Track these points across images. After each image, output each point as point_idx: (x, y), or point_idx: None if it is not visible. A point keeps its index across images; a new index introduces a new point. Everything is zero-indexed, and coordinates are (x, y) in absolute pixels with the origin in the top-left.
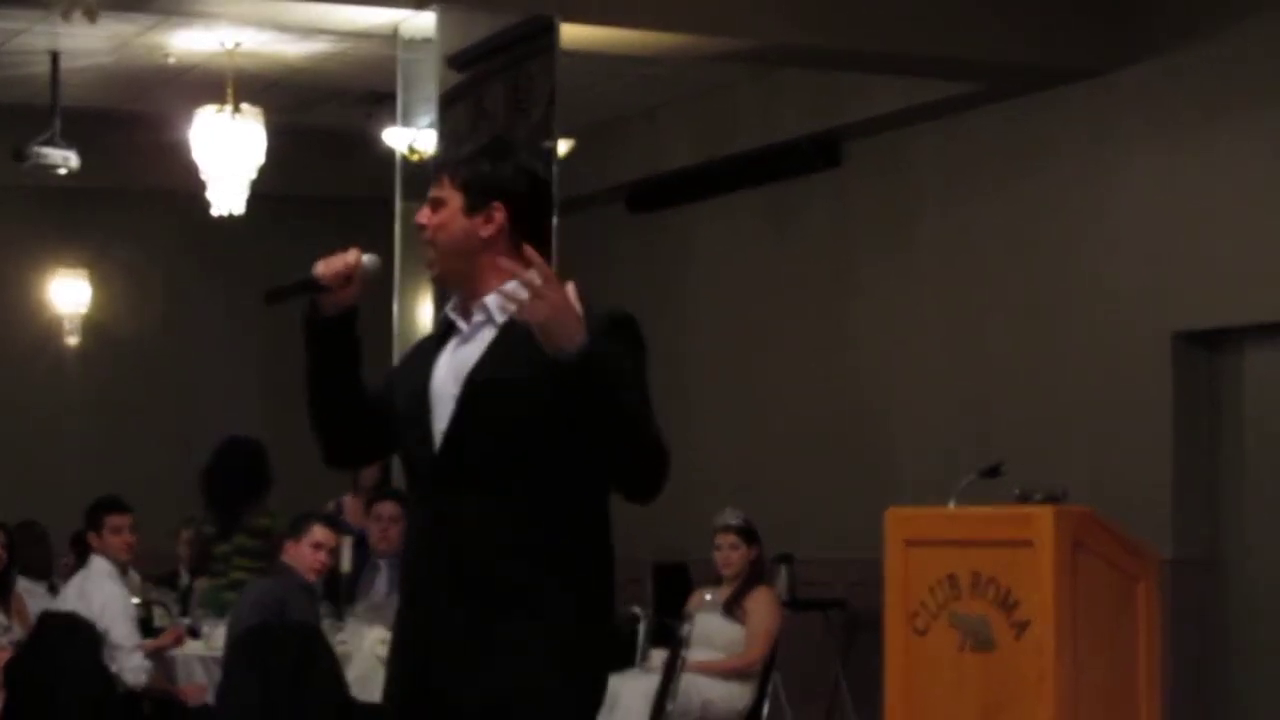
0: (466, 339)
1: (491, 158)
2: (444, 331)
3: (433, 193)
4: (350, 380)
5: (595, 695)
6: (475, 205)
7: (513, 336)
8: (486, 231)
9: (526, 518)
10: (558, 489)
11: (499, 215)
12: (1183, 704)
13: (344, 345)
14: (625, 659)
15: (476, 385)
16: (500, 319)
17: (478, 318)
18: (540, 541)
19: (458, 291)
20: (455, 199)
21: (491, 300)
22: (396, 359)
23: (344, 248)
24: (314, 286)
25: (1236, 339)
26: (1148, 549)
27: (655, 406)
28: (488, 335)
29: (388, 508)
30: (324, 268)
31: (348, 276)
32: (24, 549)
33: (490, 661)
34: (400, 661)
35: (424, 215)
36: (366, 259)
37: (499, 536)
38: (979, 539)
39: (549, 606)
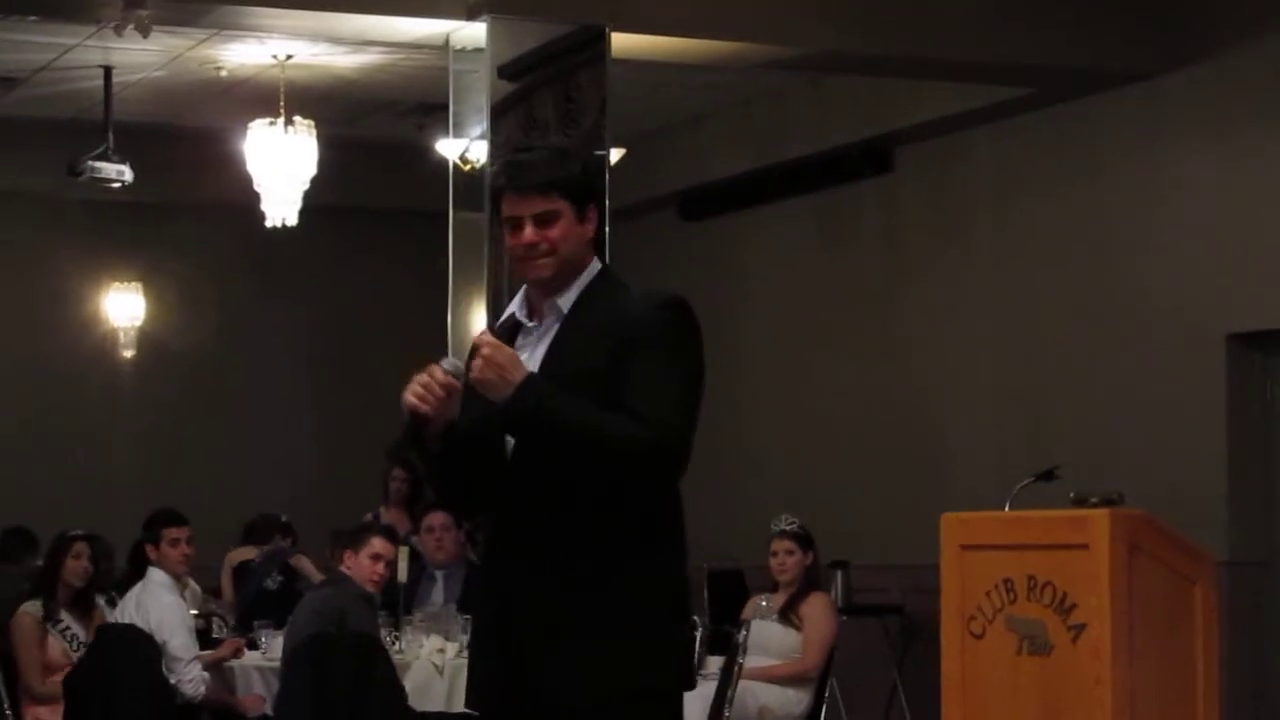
0: (541, 337)
1: (572, 163)
2: (511, 330)
3: (533, 210)
4: (468, 469)
5: (683, 689)
6: (582, 211)
7: (575, 332)
8: (590, 233)
9: (604, 511)
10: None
11: (593, 215)
12: (1240, 706)
13: (457, 450)
14: None
15: (548, 378)
16: (565, 312)
17: (549, 317)
18: (620, 528)
19: (542, 291)
20: (566, 209)
21: (563, 299)
22: None
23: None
24: (422, 425)
25: None
26: (1204, 551)
27: (699, 396)
28: (555, 329)
29: (438, 518)
30: (421, 403)
31: (446, 397)
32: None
33: (580, 662)
34: (486, 662)
35: (532, 234)
36: (447, 365)
37: (579, 540)
38: (1035, 543)
39: (630, 594)
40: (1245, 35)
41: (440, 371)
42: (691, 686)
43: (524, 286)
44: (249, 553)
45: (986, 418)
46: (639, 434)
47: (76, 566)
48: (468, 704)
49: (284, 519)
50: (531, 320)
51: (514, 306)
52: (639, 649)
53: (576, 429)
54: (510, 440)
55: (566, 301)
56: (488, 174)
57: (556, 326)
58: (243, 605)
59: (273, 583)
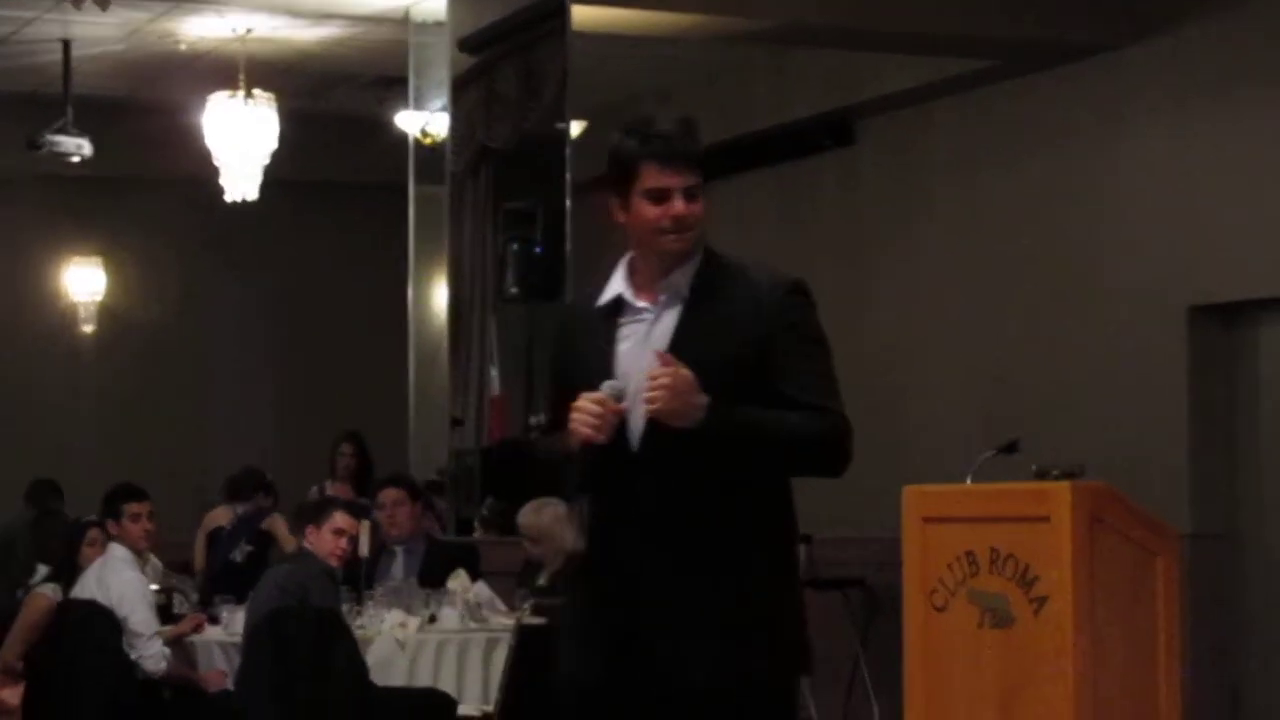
0: (658, 318)
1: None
2: (611, 309)
3: (685, 183)
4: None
5: (803, 663)
6: (702, 188)
7: (702, 315)
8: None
9: (727, 489)
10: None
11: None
12: (1202, 678)
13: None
14: None
15: (678, 360)
16: (685, 293)
17: (664, 296)
18: (743, 513)
19: (658, 270)
20: (701, 183)
21: (680, 279)
22: (412, 341)
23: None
24: (592, 452)
25: (1252, 312)
26: (1165, 524)
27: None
28: (675, 312)
29: (391, 494)
30: (597, 434)
31: (615, 420)
32: (48, 539)
33: (707, 639)
34: (601, 637)
35: (683, 207)
36: (612, 391)
37: (717, 517)
38: (997, 515)
39: (758, 581)
40: (1206, 8)
41: (612, 401)
42: (809, 673)
43: (625, 263)
44: (226, 515)
45: (948, 391)
46: (827, 429)
47: (92, 554)
48: (565, 675)
49: (268, 477)
50: (640, 300)
51: (617, 286)
52: (766, 639)
53: (771, 438)
54: (634, 426)
55: (684, 281)
56: (621, 144)
57: (679, 308)
58: (209, 575)
59: (240, 554)
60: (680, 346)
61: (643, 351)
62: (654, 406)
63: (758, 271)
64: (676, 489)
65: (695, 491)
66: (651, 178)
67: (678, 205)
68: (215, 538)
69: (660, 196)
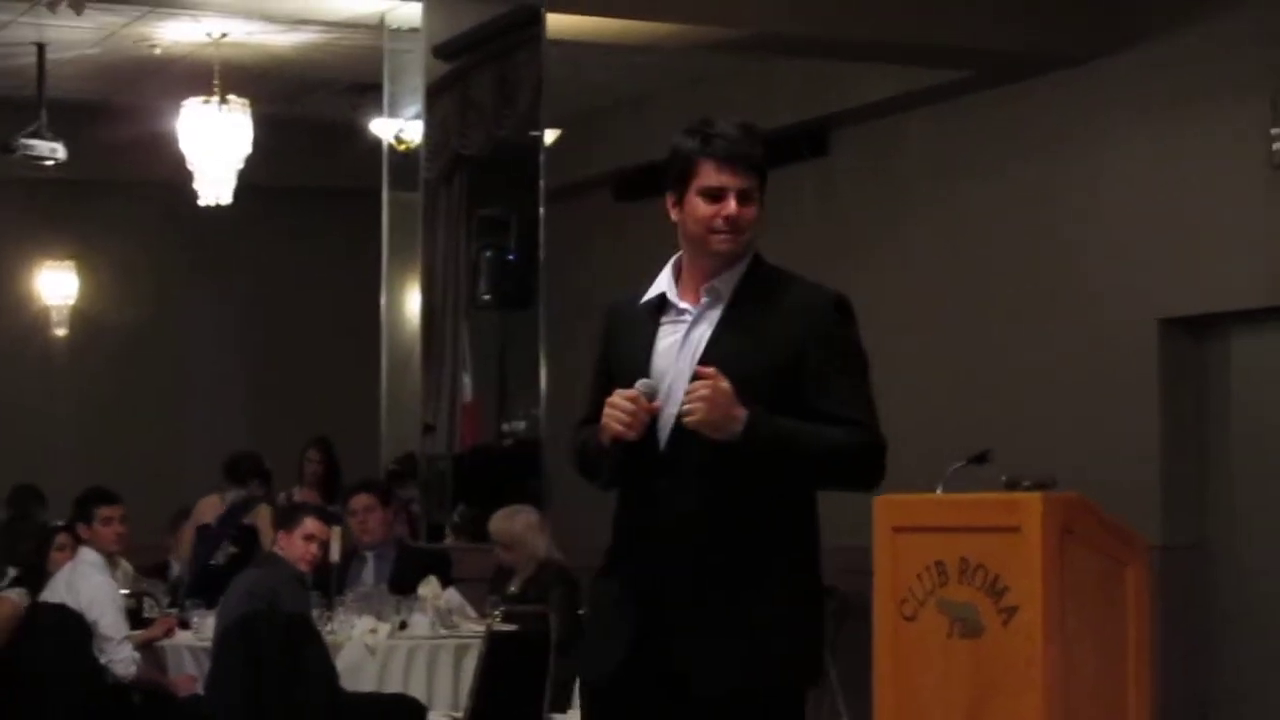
0: (698, 320)
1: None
2: (655, 307)
3: (740, 184)
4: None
5: (810, 686)
6: (762, 197)
7: (742, 320)
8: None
9: (751, 494)
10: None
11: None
12: (1172, 689)
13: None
14: None
15: (713, 365)
16: (726, 297)
17: (706, 299)
18: (766, 519)
19: (704, 271)
20: (758, 192)
21: (724, 282)
22: (385, 346)
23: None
24: (623, 447)
25: (1222, 325)
26: (1136, 535)
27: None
28: (715, 315)
29: (362, 500)
30: (629, 431)
31: (647, 418)
32: (17, 542)
33: (726, 643)
34: (620, 636)
35: (735, 208)
36: (646, 390)
37: (738, 523)
38: (967, 525)
39: (779, 588)
40: (1181, 20)
41: (645, 400)
42: (818, 683)
43: (672, 262)
44: (214, 507)
45: (921, 400)
46: (864, 445)
47: (61, 558)
48: (583, 673)
49: (267, 464)
50: (683, 301)
51: (662, 285)
52: (781, 647)
53: (806, 452)
54: (664, 426)
55: (728, 286)
56: (681, 142)
57: (720, 311)
58: (191, 576)
59: (223, 556)
60: (715, 350)
61: (680, 352)
62: (692, 418)
63: (803, 284)
64: (700, 491)
65: (719, 495)
66: (708, 176)
67: (731, 205)
68: (203, 535)
69: (715, 195)
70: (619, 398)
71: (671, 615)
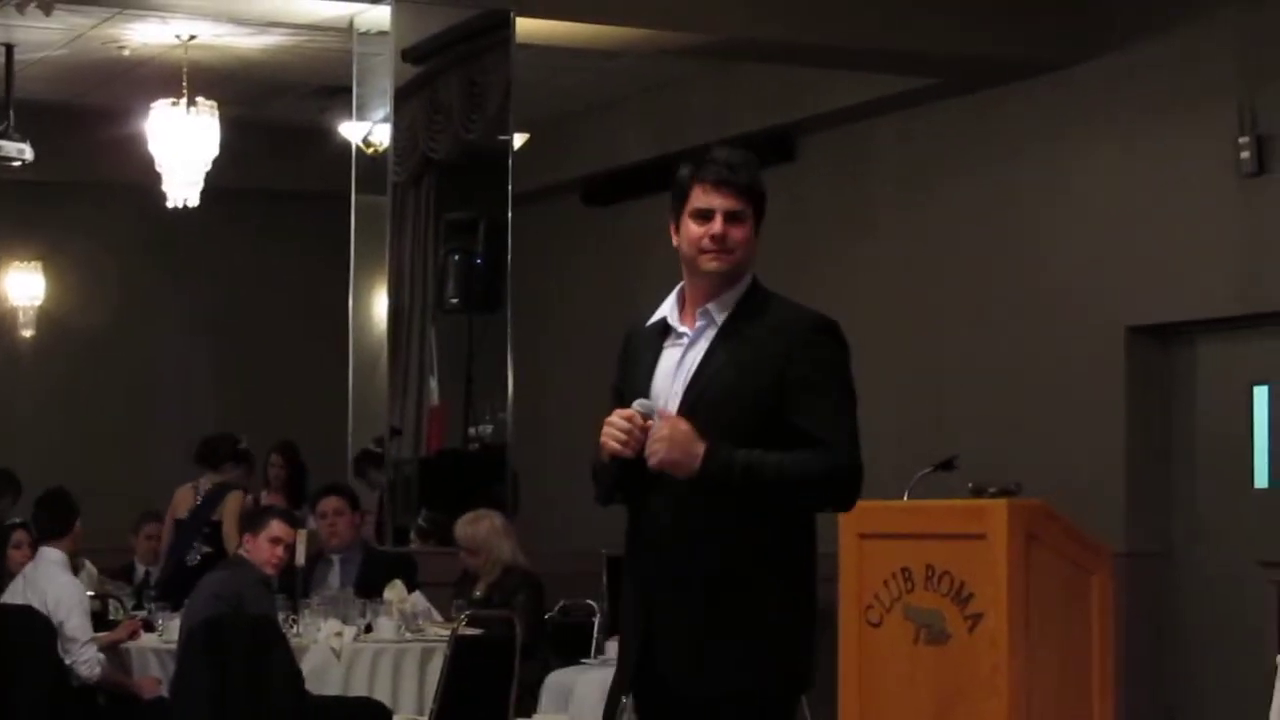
0: (693, 343)
1: (761, 176)
2: (661, 329)
3: (727, 206)
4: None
5: (804, 689)
6: (758, 224)
7: (731, 344)
8: (756, 249)
9: (738, 509)
10: None
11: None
12: (1136, 695)
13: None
14: (580, 650)
15: (701, 387)
16: (720, 321)
17: (701, 323)
18: (764, 539)
19: (702, 293)
20: (751, 217)
21: (718, 307)
22: (352, 349)
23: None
24: (620, 464)
25: (1188, 333)
26: (1100, 543)
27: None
28: (709, 337)
29: (331, 503)
30: (625, 449)
31: (643, 436)
32: None
33: (711, 649)
34: (627, 650)
35: (721, 227)
36: (643, 409)
37: (723, 534)
38: (933, 532)
39: (766, 595)
40: (1150, 28)
41: (640, 418)
42: (808, 689)
43: (678, 288)
44: (189, 498)
45: (887, 406)
46: (830, 469)
47: (19, 557)
48: (614, 687)
49: (242, 445)
50: (682, 325)
51: (666, 309)
52: (769, 657)
53: (774, 482)
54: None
55: (721, 310)
56: (680, 170)
57: (711, 335)
58: (163, 575)
59: (197, 554)
60: (705, 372)
61: (675, 374)
62: (654, 459)
63: (792, 307)
64: (689, 507)
65: (707, 511)
66: (698, 198)
67: (717, 224)
68: (177, 528)
69: (705, 216)
70: (616, 416)
71: (660, 623)
